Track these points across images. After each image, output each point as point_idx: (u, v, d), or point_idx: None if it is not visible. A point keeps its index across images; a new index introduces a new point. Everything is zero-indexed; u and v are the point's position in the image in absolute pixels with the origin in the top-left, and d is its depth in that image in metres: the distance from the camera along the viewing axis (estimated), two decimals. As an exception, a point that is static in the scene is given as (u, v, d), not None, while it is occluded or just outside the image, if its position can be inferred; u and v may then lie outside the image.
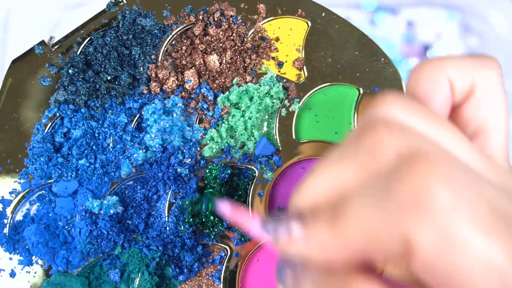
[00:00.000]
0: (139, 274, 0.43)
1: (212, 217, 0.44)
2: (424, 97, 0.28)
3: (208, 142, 0.45)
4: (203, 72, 0.46)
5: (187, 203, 0.43)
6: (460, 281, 0.19)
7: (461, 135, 0.24)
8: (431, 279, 0.21)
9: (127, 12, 0.45)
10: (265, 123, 0.46)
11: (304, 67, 0.46)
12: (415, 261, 0.20)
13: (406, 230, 0.20)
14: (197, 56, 0.45)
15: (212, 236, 0.44)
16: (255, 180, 0.45)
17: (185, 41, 0.46)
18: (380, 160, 0.22)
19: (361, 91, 0.46)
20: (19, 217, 0.44)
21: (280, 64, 0.47)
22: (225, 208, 0.35)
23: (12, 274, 0.43)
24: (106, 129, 0.44)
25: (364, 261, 0.23)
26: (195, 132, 0.45)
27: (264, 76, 0.46)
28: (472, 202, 0.19)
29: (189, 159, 0.44)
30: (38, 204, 0.44)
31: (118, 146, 0.44)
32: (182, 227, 0.44)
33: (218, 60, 0.46)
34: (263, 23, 0.47)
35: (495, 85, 0.27)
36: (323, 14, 0.47)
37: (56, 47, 0.45)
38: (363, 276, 0.22)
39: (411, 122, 0.23)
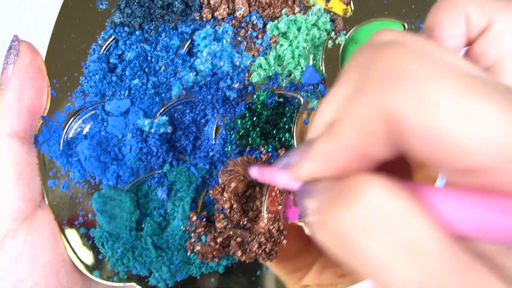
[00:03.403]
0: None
1: (258, 140, 0.45)
2: (440, 30, 0.28)
3: (256, 69, 0.46)
4: (253, 3, 0.47)
5: (236, 117, 0.45)
6: (449, 144, 0.19)
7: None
8: (423, 153, 0.20)
9: None
10: (311, 56, 0.47)
11: (351, 1, 0.48)
12: (404, 135, 0.20)
13: (386, 103, 0.20)
14: (247, -13, 0.47)
15: (259, 157, 0.45)
16: (300, 108, 0.46)
17: (236, -27, 0.47)
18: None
19: (406, 27, 0.47)
20: (72, 134, 0.45)
21: (327, -2, 0.48)
22: (253, 172, 0.38)
23: (65, 187, 0.44)
24: (159, 53, 0.45)
25: (366, 163, 0.23)
26: (244, 59, 0.46)
27: (312, 7, 0.47)
28: (448, 71, 0.19)
29: (238, 84, 0.45)
30: (91, 123, 0.45)
31: (170, 68, 0.45)
32: (229, 147, 0.45)
33: (268, -8, 0.47)
34: (312, -41, 0.48)
35: None
36: (371, -48, 0.48)
37: (113, -26, 0.47)
38: (365, 172, 0.22)
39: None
